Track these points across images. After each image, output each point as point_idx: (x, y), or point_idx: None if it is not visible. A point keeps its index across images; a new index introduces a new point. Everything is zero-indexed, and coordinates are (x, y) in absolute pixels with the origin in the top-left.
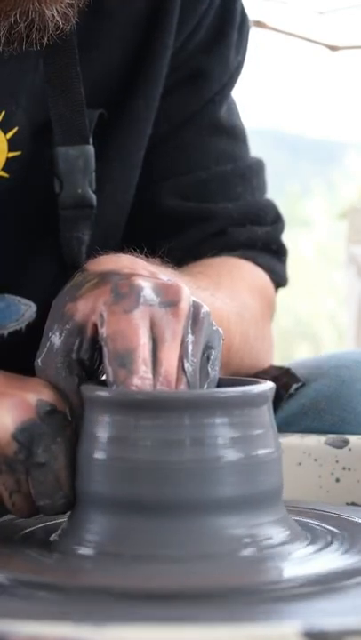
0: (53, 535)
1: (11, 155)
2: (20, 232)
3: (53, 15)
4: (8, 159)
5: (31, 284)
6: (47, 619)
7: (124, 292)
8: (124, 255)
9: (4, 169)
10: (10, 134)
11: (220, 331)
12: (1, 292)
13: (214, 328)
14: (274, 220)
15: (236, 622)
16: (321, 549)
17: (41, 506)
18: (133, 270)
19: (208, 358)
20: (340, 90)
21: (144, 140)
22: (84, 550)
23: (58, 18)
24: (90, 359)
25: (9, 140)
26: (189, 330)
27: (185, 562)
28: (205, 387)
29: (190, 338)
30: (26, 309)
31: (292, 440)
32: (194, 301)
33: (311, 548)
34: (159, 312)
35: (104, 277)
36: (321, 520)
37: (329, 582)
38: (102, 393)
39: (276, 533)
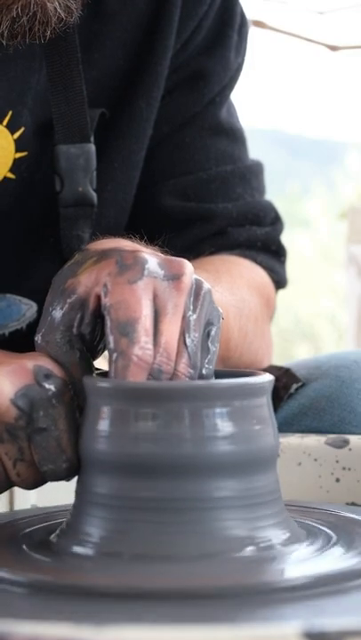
0: (53, 535)
1: (17, 155)
2: (23, 232)
3: (55, 8)
4: (15, 160)
5: (33, 283)
6: (47, 619)
7: (128, 263)
8: (123, 239)
9: (11, 170)
10: (17, 135)
11: (220, 310)
12: (2, 291)
13: (214, 306)
14: (273, 220)
15: (236, 622)
16: (321, 549)
17: (45, 471)
18: (135, 248)
19: (208, 334)
20: (340, 90)
21: (145, 141)
22: (85, 549)
23: (60, 11)
24: (90, 333)
25: (15, 141)
26: (191, 305)
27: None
28: (206, 362)
29: (192, 313)
30: (27, 309)
31: (292, 440)
32: (196, 278)
33: (311, 549)
34: (162, 285)
35: (106, 253)
36: (321, 520)
37: (329, 583)
38: (103, 384)
39: (276, 528)
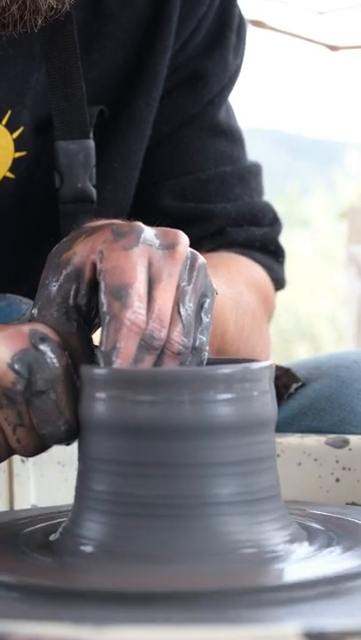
0: (53, 535)
1: (17, 155)
2: (23, 231)
3: None
4: (14, 159)
5: (33, 282)
6: (47, 619)
7: (124, 230)
8: (117, 220)
9: (10, 169)
10: (16, 134)
11: (214, 284)
12: (2, 290)
13: (208, 279)
14: (271, 221)
15: (236, 623)
16: (321, 550)
17: (44, 434)
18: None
19: (202, 306)
20: (340, 90)
21: (144, 141)
22: (85, 549)
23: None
24: (87, 305)
25: (15, 140)
26: (185, 276)
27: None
28: (199, 332)
29: (186, 284)
30: (27, 308)
31: (292, 440)
32: (191, 250)
33: (311, 549)
34: (157, 253)
35: (101, 226)
36: (321, 520)
37: (329, 583)
38: (100, 371)
39: (276, 528)
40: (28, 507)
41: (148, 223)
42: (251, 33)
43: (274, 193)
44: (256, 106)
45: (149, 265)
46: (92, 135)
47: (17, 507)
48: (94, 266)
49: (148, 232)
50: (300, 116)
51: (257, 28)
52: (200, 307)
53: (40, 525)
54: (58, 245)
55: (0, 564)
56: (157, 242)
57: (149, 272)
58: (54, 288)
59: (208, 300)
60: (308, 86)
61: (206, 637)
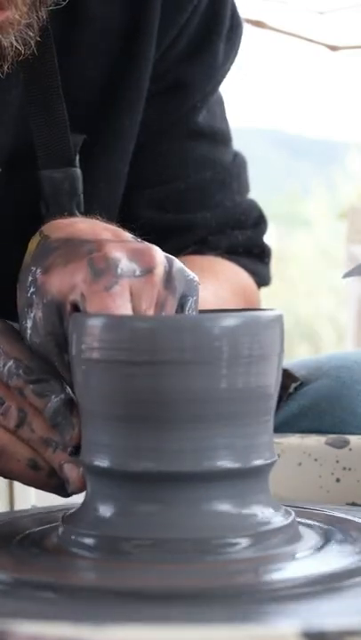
0: (53, 535)
1: None
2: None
3: (12, 43)
4: None
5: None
6: (47, 619)
7: (101, 267)
8: (79, 218)
9: None
10: None
11: (196, 278)
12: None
13: (189, 278)
14: (256, 221)
15: (235, 622)
16: (320, 549)
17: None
18: (97, 235)
19: (183, 307)
20: (340, 90)
21: (128, 156)
22: (85, 549)
23: (17, 44)
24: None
25: None
26: (163, 289)
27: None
28: None
29: (164, 297)
30: None
31: (293, 440)
32: (166, 258)
33: (311, 548)
34: (136, 282)
35: (73, 248)
36: (321, 520)
37: (328, 582)
38: (93, 318)
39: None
40: (28, 507)
41: (128, 229)
42: (251, 33)
43: (274, 193)
44: (256, 106)
45: (130, 295)
46: (77, 162)
47: (17, 507)
48: (75, 304)
49: (123, 260)
50: (300, 116)
51: (257, 28)
52: (181, 308)
53: (40, 525)
54: (28, 264)
55: (0, 564)
56: (135, 268)
57: (132, 302)
58: (38, 318)
59: (191, 300)
60: (308, 86)
61: (206, 637)
